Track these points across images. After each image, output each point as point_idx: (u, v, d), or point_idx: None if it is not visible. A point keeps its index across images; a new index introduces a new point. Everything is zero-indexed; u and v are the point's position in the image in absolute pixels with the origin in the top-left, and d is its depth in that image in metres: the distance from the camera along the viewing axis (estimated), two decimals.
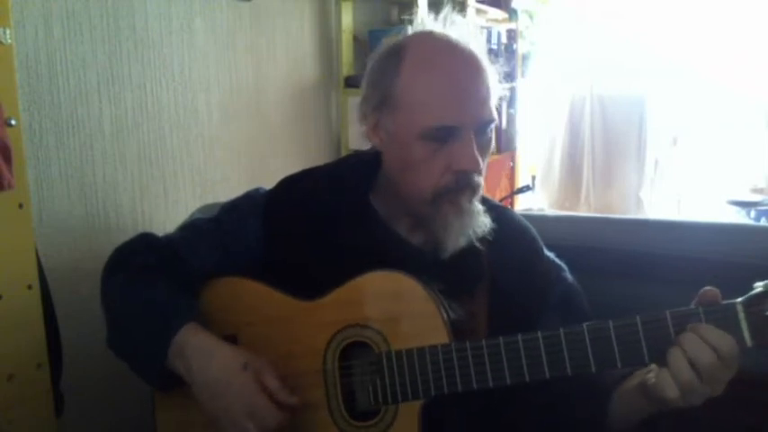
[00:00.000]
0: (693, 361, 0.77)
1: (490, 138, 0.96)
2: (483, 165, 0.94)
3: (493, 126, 0.95)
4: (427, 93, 0.90)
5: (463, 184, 0.92)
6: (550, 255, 1.07)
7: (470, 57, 0.92)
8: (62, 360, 1.25)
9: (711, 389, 0.80)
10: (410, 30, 0.98)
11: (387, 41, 0.98)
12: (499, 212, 1.04)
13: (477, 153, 0.90)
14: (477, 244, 0.97)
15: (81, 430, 1.43)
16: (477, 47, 0.94)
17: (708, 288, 0.81)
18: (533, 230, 1.07)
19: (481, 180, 0.95)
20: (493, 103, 0.93)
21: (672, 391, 0.78)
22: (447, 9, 0.97)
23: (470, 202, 0.94)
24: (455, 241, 0.94)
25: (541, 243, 1.06)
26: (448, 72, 0.90)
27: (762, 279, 0.80)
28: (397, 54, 0.94)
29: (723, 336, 0.77)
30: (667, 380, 0.78)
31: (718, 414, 1.14)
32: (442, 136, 0.90)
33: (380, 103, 0.95)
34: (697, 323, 0.78)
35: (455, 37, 0.93)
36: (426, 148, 0.91)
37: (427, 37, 0.95)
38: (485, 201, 1.04)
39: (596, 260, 1.24)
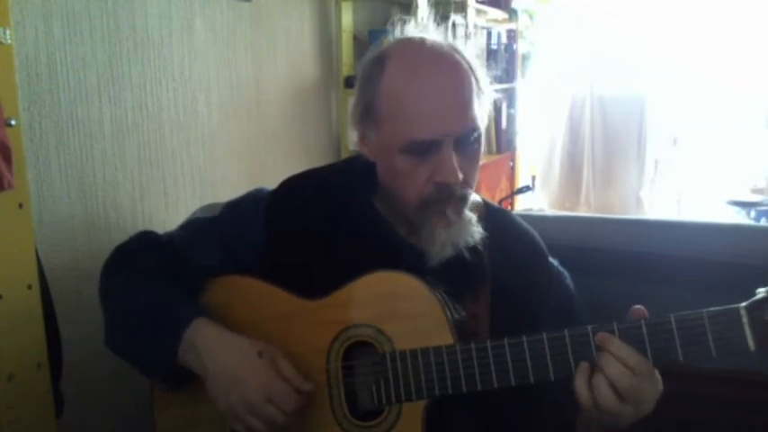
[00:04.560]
0: (613, 383, 0.79)
1: (476, 146, 0.94)
2: (471, 173, 0.93)
3: (477, 134, 0.93)
4: (403, 107, 0.89)
5: (446, 196, 0.91)
6: (554, 261, 1.07)
7: (448, 65, 0.91)
8: (62, 360, 1.25)
9: (636, 408, 0.81)
10: (395, 33, 0.97)
11: (373, 49, 0.97)
12: (501, 216, 1.04)
13: (456, 166, 0.89)
14: (477, 249, 0.97)
15: (81, 430, 1.43)
16: (461, 51, 0.93)
17: (637, 307, 0.83)
18: (536, 235, 1.07)
19: (467, 190, 0.94)
20: (477, 109, 0.92)
21: (595, 414, 0.81)
22: (431, 12, 0.97)
23: (458, 213, 0.93)
24: (441, 251, 0.93)
25: (545, 248, 1.06)
26: (423, 85, 0.89)
27: (763, 280, 0.80)
28: (378, 64, 0.93)
29: (633, 353, 0.79)
30: (589, 403, 0.81)
31: (719, 414, 1.14)
32: (421, 150, 0.90)
33: (364, 115, 0.95)
34: (609, 340, 0.80)
35: (434, 43, 0.92)
36: (407, 161, 0.91)
37: (406, 46, 0.94)
38: (486, 205, 1.03)
39: (596, 260, 1.24)
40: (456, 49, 0.93)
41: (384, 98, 0.92)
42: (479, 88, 0.93)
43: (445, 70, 0.90)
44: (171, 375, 0.95)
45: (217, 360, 0.89)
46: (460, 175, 0.90)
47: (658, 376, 0.82)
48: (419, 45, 0.93)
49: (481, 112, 0.93)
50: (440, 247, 0.93)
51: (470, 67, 0.93)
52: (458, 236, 0.93)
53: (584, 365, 0.82)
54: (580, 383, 0.81)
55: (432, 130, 0.88)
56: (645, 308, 0.83)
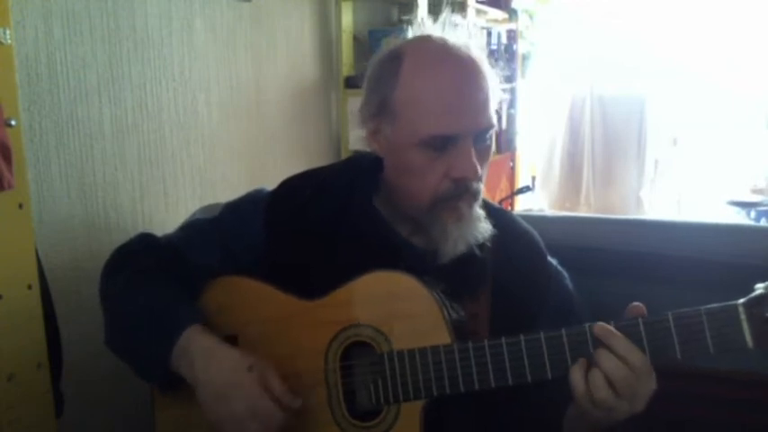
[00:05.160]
0: (609, 377, 0.79)
1: (489, 144, 0.95)
2: (483, 171, 0.94)
3: (492, 132, 0.94)
4: (424, 102, 0.90)
5: (461, 191, 0.92)
6: (553, 261, 1.07)
7: (468, 63, 0.92)
8: (62, 360, 1.25)
9: (630, 404, 0.81)
10: (410, 33, 0.97)
11: (386, 46, 0.97)
12: (501, 216, 1.04)
13: (475, 161, 0.90)
14: (479, 248, 0.97)
15: (81, 430, 1.43)
16: (477, 51, 0.94)
17: (635, 304, 0.83)
18: (536, 234, 1.07)
19: (481, 186, 0.95)
20: (492, 108, 0.93)
21: (589, 408, 0.81)
22: (447, 12, 0.97)
23: (470, 207, 0.94)
24: (453, 248, 0.93)
25: (544, 248, 1.06)
26: (445, 80, 0.90)
27: (763, 280, 0.80)
28: (395, 60, 0.93)
29: (632, 349, 0.79)
30: (584, 397, 0.81)
31: (715, 413, 1.14)
32: (440, 144, 0.90)
33: (379, 110, 0.95)
34: (610, 334, 0.80)
35: (454, 42, 0.93)
36: (424, 156, 0.91)
37: (425, 43, 0.94)
38: (486, 204, 1.04)
39: (596, 260, 1.24)
40: (471, 48, 0.94)
41: (402, 93, 0.92)
42: (492, 87, 0.94)
43: (465, 67, 0.91)
44: (167, 381, 0.95)
45: (208, 371, 0.89)
46: (479, 171, 0.91)
47: (653, 374, 0.82)
48: (438, 42, 0.93)
49: (494, 111, 0.94)
50: (452, 244, 0.93)
51: (485, 66, 0.94)
52: (469, 231, 0.94)
53: (581, 359, 0.82)
54: (576, 377, 0.81)
55: (453, 126, 0.89)
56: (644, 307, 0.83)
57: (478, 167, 0.91)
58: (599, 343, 0.81)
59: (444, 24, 0.96)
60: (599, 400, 0.80)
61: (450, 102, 0.89)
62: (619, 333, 0.80)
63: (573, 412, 0.91)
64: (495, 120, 0.94)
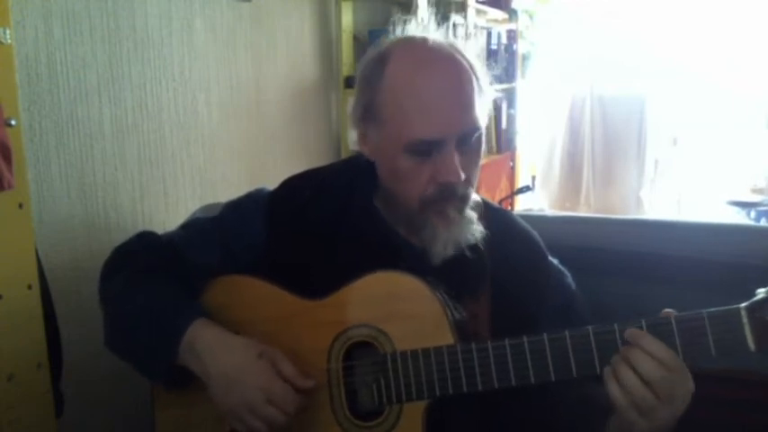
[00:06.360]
0: (646, 378, 0.78)
1: (477, 146, 0.94)
2: (473, 173, 0.94)
3: (479, 133, 0.93)
4: (406, 108, 0.90)
5: (447, 195, 0.92)
6: (554, 260, 1.07)
7: (450, 66, 0.91)
8: (62, 360, 1.25)
9: (671, 407, 0.79)
10: (395, 33, 0.97)
11: (373, 48, 0.97)
12: (500, 216, 1.05)
13: (458, 165, 0.89)
14: (474, 248, 0.97)
15: (81, 430, 1.43)
16: (461, 50, 0.93)
17: (667, 310, 0.82)
18: (536, 234, 1.07)
19: (469, 190, 0.95)
20: (479, 109, 0.92)
21: (627, 412, 0.79)
22: (430, 13, 0.97)
23: (459, 212, 0.94)
24: (443, 250, 0.94)
25: (544, 247, 1.06)
26: (426, 86, 0.89)
27: (763, 280, 0.81)
28: (379, 63, 0.93)
29: (665, 349, 0.78)
30: (624, 403, 0.79)
31: (718, 414, 1.14)
32: (425, 149, 0.90)
33: (365, 114, 0.95)
34: (638, 335, 0.79)
35: (438, 44, 0.92)
36: (410, 161, 0.91)
37: (408, 46, 0.94)
38: (485, 204, 1.04)
39: (596, 260, 1.24)
40: (457, 49, 0.93)
41: (386, 98, 0.92)
42: (480, 87, 0.93)
43: (447, 70, 0.91)
44: (171, 379, 0.95)
45: (217, 362, 0.89)
46: (462, 175, 0.90)
47: (689, 374, 0.81)
48: (421, 44, 0.93)
49: (482, 112, 0.93)
50: (442, 246, 0.93)
51: (471, 67, 0.93)
52: (459, 234, 0.94)
53: (607, 369, 0.81)
54: (613, 387, 0.80)
55: (435, 130, 0.89)
56: (646, 309, 0.83)
57: (461, 172, 0.90)
58: (604, 346, 0.81)
59: (429, 24, 0.96)
60: (639, 403, 0.78)
61: (431, 107, 0.89)
62: (649, 335, 0.79)
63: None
64: (481, 121, 0.92)
